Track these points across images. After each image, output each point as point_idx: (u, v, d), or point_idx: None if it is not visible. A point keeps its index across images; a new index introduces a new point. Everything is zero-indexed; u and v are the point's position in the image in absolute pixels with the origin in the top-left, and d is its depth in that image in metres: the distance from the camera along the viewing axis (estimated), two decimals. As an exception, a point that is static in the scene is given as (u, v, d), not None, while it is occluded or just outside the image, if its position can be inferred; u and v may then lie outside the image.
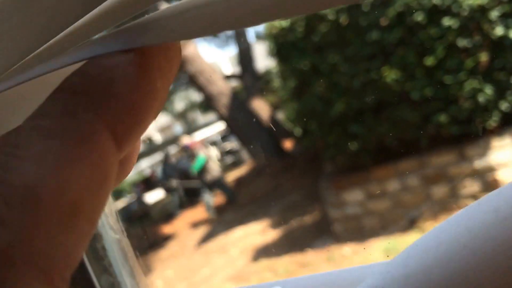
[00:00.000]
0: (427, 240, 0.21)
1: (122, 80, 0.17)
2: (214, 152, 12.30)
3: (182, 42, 0.19)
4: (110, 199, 0.59)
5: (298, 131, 5.28)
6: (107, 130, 0.16)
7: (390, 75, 3.69)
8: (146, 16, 0.19)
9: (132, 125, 0.17)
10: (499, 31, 3.26)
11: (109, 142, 0.16)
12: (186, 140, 10.51)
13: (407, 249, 0.22)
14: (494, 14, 3.25)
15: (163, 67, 0.19)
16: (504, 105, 3.38)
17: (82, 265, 0.46)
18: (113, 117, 0.16)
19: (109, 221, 0.53)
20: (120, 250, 0.52)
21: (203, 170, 9.70)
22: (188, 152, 10.17)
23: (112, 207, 0.58)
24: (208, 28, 0.18)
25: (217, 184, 9.66)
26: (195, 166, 9.83)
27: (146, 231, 9.39)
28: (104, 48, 0.18)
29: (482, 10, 3.28)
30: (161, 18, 0.18)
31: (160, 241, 8.92)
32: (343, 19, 3.93)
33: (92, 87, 0.16)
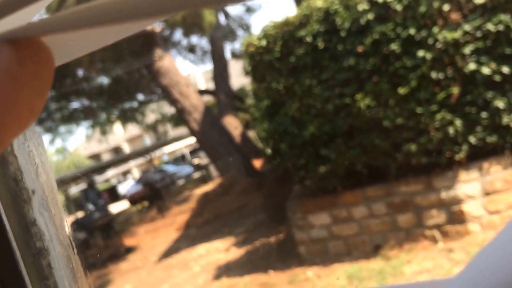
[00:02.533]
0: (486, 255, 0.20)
1: None
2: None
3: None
4: (62, 211, 0.54)
5: (268, 150, 5.26)
6: None
7: (364, 101, 3.71)
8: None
9: None
10: (471, 66, 3.32)
11: None
12: None
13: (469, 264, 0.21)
14: (468, 49, 3.31)
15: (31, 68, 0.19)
16: (473, 139, 3.43)
17: (21, 284, 0.40)
18: None
19: (58, 234, 0.48)
20: (69, 268, 0.46)
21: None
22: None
23: (65, 218, 0.53)
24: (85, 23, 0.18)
25: None
26: None
27: (108, 242, 9.20)
28: None
29: (456, 45, 3.35)
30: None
31: (122, 253, 8.76)
32: (320, 43, 3.95)
33: None
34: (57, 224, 0.50)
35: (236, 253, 5.99)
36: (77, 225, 9.20)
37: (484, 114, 3.38)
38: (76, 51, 0.22)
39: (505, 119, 3.32)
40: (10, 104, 0.19)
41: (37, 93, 0.20)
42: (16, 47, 0.19)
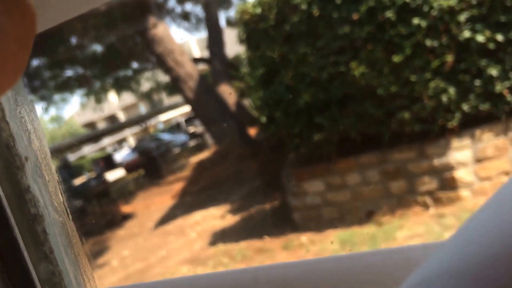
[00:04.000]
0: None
1: None
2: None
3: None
4: (56, 178, 0.55)
5: (263, 119, 5.26)
6: None
7: (358, 69, 3.71)
8: None
9: None
10: (466, 33, 3.31)
11: None
12: None
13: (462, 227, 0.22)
14: (463, 16, 3.30)
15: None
16: (466, 107, 3.44)
17: (17, 250, 0.41)
18: None
19: (53, 201, 0.49)
20: (64, 234, 0.47)
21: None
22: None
23: (58, 185, 0.54)
24: None
25: None
26: None
27: (104, 209, 9.25)
28: None
29: (452, 12, 3.33)
30: None
31: (119, 220, 8.81)
32: (315, 10, 3.92)
33: None
34: (51, 191, 0.51)
35: (231, 219, 6.05)
36: (73, 192, 9.23)
37: (477, 82, 3.39)
38: (63, 14, 0.22)
39: (498, 87, 3.33)
40: None
41: (23, 45, 0.20)
42: None
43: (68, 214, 0.52)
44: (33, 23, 0.20)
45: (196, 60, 15.21)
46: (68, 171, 11.41)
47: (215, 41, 13.55)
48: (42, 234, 0.44)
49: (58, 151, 12.84)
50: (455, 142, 3.61)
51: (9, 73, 0.19)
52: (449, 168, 3.67)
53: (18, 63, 0.19)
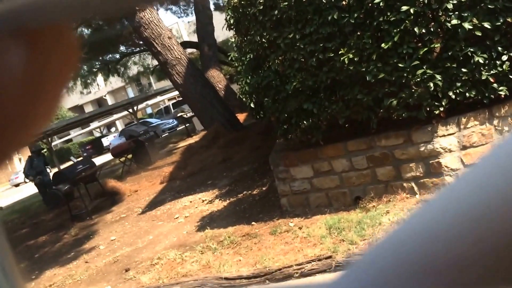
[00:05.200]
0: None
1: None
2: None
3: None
4: None
5: (252, 104, 5.27)
6: None
7: (347, 56, 3.72)
8: None
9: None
10: (454, 21, 3.33)
11: None
12: None
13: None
14: (451, 3, 3.31)
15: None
16: (452, 94, 3.48)
17: None
18: None
19: None
20: None
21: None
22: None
23: None
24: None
25: None
26: None
27: (91, 193, 9.24)
28: None
29: (440, -1, 3.34)
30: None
31: (107, 205, 8.81)
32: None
33: None
34: None
35: (219, 205, 6.08)
36: (60, 176, 9.16)
37: (464, 70, 3.42)
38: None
39: (485, 75, 3.36)
40: (36, 98, 0.19)
41: (63, 82, 0.20)
42: (38, 35, 0.19)
43: None
44: (75, 62, 0.20)
45: (185, 44, 15.07)
46: (39, 159, 11.21)
47: (204, 25, 13.46)
48: None
49: (44, 135, 12.74)
50: (442, 129, 3.65)
51: (50, 109, 0.20)
52: (435, 154, 3.71)
53: (54, 102, 0.20)
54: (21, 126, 0.19)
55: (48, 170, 11.42)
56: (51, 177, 10.27)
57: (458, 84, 3.45)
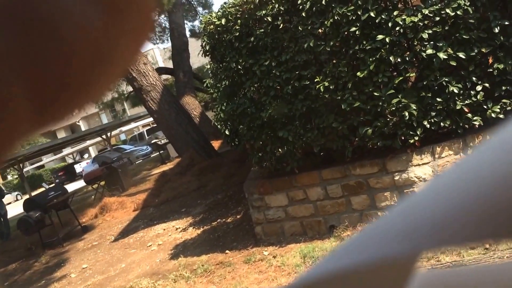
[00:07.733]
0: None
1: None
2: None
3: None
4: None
5: (227, 132, 5.23)
6: None
7: (323, 84, 3.72)
8: None
9: None
10: (429, 50, 3.37)
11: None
12: None
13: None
14: (426, 33, 3.35)
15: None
16: (427, 123, 3.49)
17: None
18: None
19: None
20: None
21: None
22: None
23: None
24: None
25: None
26: None
27: (63, 220, 9.01)
28: None
29: (415, 28, 3.38)
30: None
31: (78, 232, 8.63)
32: (280, 23, 3.92)
33: None
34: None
35: (193, 232, 5.98)
36: (32, 203, 8.93)
37: (439, 99, 3.44)
38: None
39: (459, 104, 3.39)
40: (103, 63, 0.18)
41: (137, 46, 0.19)
42: None
43: None
44: (150, 28, 0.19)
45: (160, 70, 15.05)
46: None
47: (179, 51, 13.48)
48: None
49: (15, 161, 12.43)
50: (416, 158, 3.66)
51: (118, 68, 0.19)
52: (410, 183, 3.70)
53: (120, 69, 0.19)
54: (88, 84, 0.17)
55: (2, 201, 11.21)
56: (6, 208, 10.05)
57: (433, 114, 3.47)
